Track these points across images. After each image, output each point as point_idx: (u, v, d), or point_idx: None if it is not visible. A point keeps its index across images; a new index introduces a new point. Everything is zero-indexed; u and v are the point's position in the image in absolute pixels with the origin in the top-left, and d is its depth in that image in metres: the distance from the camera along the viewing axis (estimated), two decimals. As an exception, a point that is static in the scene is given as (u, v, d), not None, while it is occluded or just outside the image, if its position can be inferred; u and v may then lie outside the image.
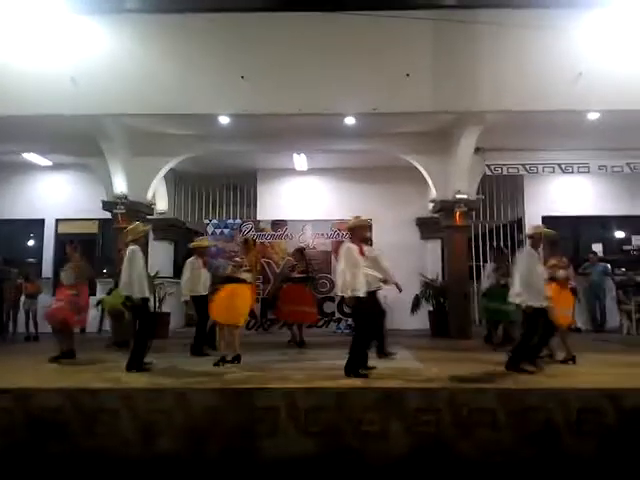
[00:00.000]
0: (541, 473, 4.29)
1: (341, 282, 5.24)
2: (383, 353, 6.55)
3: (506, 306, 6.59)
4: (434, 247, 11.37)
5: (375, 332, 6.04)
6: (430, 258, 11.28)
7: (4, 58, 8.08)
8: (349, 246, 5.38)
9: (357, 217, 5.76)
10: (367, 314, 5.41)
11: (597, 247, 11.20)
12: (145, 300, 5.73)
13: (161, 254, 11.23)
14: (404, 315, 10.11)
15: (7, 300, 9.55)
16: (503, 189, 11.46)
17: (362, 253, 5.44)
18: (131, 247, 5.76)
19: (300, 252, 8.78)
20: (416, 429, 4.46)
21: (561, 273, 6.36)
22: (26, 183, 11.64)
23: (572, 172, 10.22)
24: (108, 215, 9.76)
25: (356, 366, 5.24)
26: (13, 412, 4.67)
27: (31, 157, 10.71)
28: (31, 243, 11.87)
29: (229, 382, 5.09)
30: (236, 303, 6.03)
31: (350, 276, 5.17)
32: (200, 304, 6.92)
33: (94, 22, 8.23)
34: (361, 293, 5.18)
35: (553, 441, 4.41)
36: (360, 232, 5.65)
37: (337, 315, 10.42)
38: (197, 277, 7.07)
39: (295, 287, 8.42)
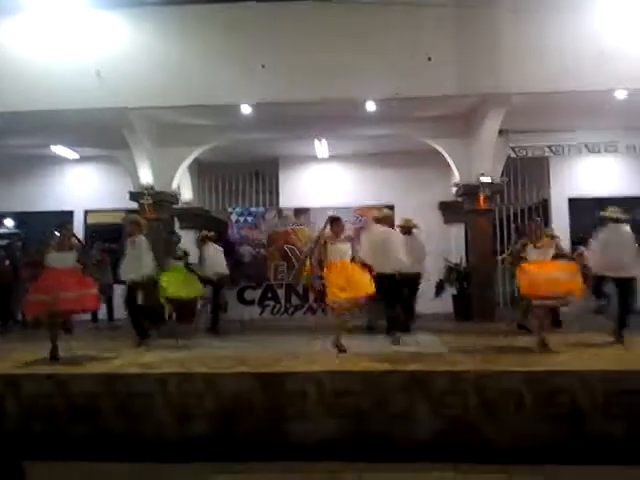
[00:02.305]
0: (568, 455, 4.31)
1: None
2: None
3: None
4: (458, 231, 11.29)
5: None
6: (454, 242, 11.20)
7: (31, 54, 8.29)
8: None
9: (381, 210, 6.93)
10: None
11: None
12: None
13: (186, 242, 11.40)
14: (428, 298, 10.12)
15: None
16: (528, 171, 11.28)
17: None
18: (143, 237, 6.88)
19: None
20: (442, 412, 4.53)
21: None
22: (55, 176, 11.92)
23: (599, 152, 10.01)
24: (135, 205, 9.97)
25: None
26: (53, 397, 4.89)
27: (59, 150, 10.96)
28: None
29: (257, 366, 5.22)
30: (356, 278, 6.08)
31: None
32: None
33: (116, 16, 8.37)
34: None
35: (580, 423, 4.43)
36: (387, 222, 7.17)
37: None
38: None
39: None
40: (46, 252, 5.95)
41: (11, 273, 9.79)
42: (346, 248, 6.18)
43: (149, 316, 7.62)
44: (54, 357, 5.75)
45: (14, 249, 10.50)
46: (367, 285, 6.06)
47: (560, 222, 10.50)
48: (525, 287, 5.88)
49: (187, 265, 7.86)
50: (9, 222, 12.16)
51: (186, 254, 7.88)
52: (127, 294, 6.89)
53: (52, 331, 5.85)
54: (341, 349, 5.95)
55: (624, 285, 6.33)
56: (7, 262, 10.07)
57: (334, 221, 6.29)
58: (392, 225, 7.77)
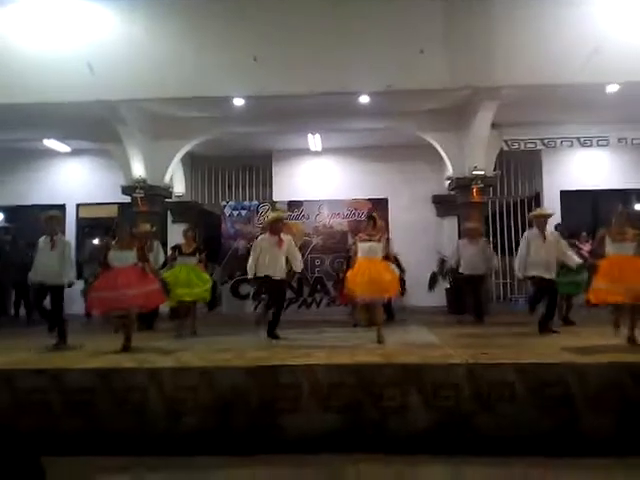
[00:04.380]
0: (560, 447, 4.37)
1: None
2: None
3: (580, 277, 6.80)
4: (451, 224, 11.35)
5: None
6: (447, 235, 11.27)
7: (22, 46, 8.21)
8: None
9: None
10: None
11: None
12: None
13: (179, 236, 11.37)
14: (421, 292, 10.18)
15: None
16: (520, 164, 11.35)
17: None
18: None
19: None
20: (435, 404, 4.56)
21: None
22: (46, 169, 11.86)
23: (591, 146, 10.11)
24: (127, 199, 9.92)
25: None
26: (48, 391, 4.87)
27: (50, 143, 10.88)
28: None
29: (253, 359, 5.23)
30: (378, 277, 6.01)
31: None
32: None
33: (108, 8, 8.30)
34: None
35: (572, 415, 4.48)
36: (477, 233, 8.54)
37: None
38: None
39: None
40: (107, 251, 6.03)
41: (1, 267, 9.72)
42: (376, 246, 6.11)
43: (145, 317, 7.52)
44: (126, 348, 5.88)
45: (4, 243, 10.43)
46: (388, 286, 6.07)
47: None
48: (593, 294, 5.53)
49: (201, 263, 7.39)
50: (0, 215, 12.06)
51: (200, 250, 7.34)
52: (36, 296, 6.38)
53: (126, 326, 6.03)
54: (379, 340, 6.00)
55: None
56: (-2, 256, 10.01)
57: (368, 219, 6.34)
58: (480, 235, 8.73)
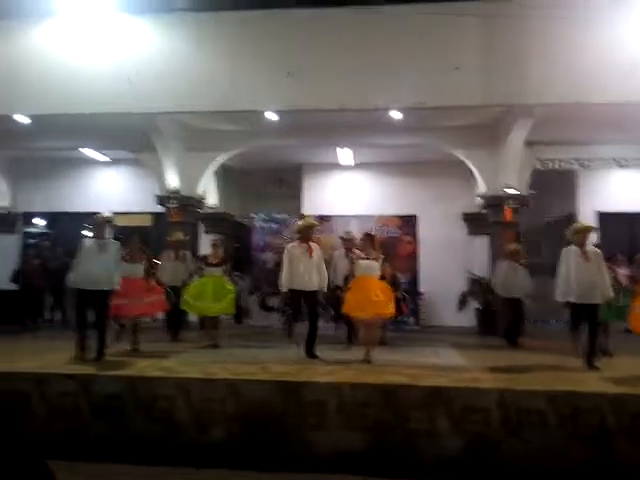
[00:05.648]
0: (592, 478, 4.22)
1: None
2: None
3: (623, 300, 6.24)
4: (481, 243, 11.14)
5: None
6: (477, 255, 11.06)
7: (63, 58, 8.49)
8: None
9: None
10: None
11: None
12: None
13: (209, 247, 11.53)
14: (450, 312, 10.04)
15: (69, 291, 10.05)
16: (554, 184, 11.10)
17: None
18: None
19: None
20: (464, 428, 4.47)
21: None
22: (85, 177, 12.20)
23: (628, 166, 9.83)
24: (161, 209, 10.12)
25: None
26: (77, 397, 4.98)
27: (89, 153, 11.22)
28: (86, 234, 12.44)
29: (279, 374, 5.22)
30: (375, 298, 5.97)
31: None
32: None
33: (146, 22, 8.55)
34: None
35: (605, 446, 4.32)
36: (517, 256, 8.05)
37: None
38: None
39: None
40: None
41: (40, 272, 10.02)
42: (374, 265, 6.13)
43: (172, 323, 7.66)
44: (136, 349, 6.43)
45: (43, 249, 10.75)
46: (385, 306, 6.02)
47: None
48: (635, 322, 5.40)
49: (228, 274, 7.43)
50: (39, 222, 12.45)
51: (226, 261, 7.35)
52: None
53: (134, 332, 6.49)
54: (365, 359, 5.96)
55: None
56: (36, 261, 10.32)
57: (365, 237, 6.34)
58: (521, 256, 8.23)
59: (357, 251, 6.47)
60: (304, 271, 6.15)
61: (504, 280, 7.92)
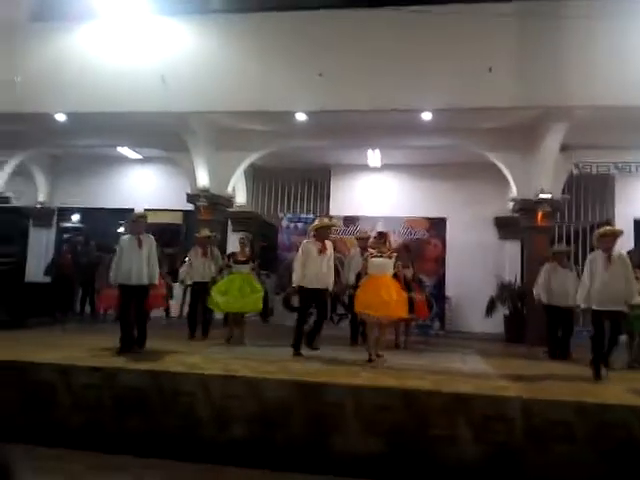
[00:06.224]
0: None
1: None
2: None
3: None
4: (513, 248, 10.90)
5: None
6: (508, 259, 10.83)
7: (100, 59, 8.71)
8: None
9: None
10: None
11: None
12: None
13: (237, 245, 11.62)
14: (477, 317, 9.83)
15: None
16: (591, 189, 10.77)
17: None
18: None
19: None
20: (485, 437, 4.36)
21: None
22: (118, 175, 12.48)
23: (669, 172, 9.44)
24: (191, 207, 10.26)
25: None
26: (101, 389, 5.08)
27: (124, 151, 11.48)
28: (122, 231, 12.72)
29: (298, 374, 5.21)
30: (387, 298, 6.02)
31: None
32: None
33: (181, 23, 8.68)
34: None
35: (634, 460, 4.14)
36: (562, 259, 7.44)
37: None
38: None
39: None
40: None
41: (72, 266, 10.28)
42: (387, 263, 6.16)
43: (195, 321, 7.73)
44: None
45: (76, 243, 11.03)
46: (397, 307, 6.03)
47: (624, 244, 9.94)
48: None
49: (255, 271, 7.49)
50: (74, 217, 12.81)
51: (253, 259, 7.45)
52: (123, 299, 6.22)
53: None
54: (371, 358, 6.02)
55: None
56: (69, 256, 10.59)
57: (378, 235, 6.36)
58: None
59: (370, 249, 6.43)
60: (316, 269, 6.17)
61: (545, 285, 7.20)
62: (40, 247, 12.34)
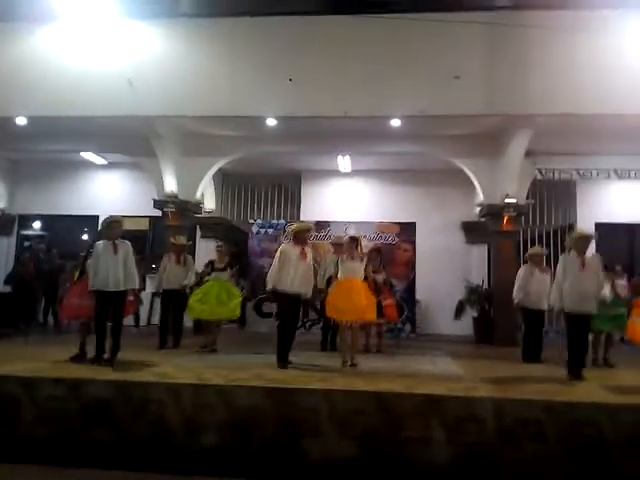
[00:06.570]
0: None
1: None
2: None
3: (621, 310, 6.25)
4: (480, 252, 11.13)
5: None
6: (475, 263, 11.05)
7: (63, 61, 8.49)
8: None
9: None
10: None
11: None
12: None
13: (207, 251, 11.47)
14: (446, 319, 9.98)
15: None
16: (554, 194, 11.11)
17: None
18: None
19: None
20: (458, 438, 4.40)
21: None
22: (82, 180, 12.16)
23: (628, 177, 9.82)
24: (159, 213, 10.07)
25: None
26: (67, 400, 4.90)
27: (88, 156, 11.19)
28: (85, 238, 12.38)
29: (271, 381, 5.16)
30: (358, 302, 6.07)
31: None
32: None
33: (149, 27, 8.55)
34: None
35: (602, 457, 4.26)
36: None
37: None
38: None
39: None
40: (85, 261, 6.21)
41: (34, 275, 9.95)
42: (358, 267, 6.24)
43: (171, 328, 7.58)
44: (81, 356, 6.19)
45: (38, 251, 10.69)
46: (366, 310, 6.10)
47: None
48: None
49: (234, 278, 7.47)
50: (36, 224, 12.40)
51: (232, 266, 7.40)
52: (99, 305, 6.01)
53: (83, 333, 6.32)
54: (346, 363, 6.09)
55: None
56: (30, 264, 10.25)
57: (350, 240, 6.43)
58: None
59: (342, 254, 6.50)
60: (294, 274, 5.96)
61: (522, 287, 7.01)
62: (0, 256, 11.89)
